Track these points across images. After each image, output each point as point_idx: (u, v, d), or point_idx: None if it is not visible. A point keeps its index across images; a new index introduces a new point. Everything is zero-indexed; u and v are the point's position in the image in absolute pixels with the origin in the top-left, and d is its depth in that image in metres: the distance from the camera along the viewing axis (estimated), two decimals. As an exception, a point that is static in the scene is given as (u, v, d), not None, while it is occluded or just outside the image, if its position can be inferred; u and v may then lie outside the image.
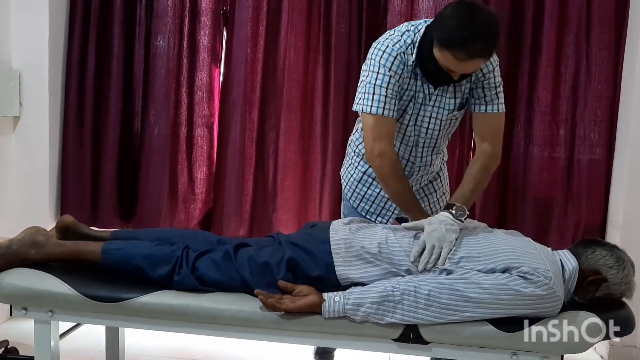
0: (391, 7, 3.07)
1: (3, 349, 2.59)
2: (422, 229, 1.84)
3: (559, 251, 1.85)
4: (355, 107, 1.98)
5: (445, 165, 2.33)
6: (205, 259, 1.84)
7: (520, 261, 1.69)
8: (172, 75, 3.24)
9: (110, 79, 3.24)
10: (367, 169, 2.17)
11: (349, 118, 3.01)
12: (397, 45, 1.93)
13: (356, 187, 2.20)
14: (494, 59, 1.97)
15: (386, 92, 1.90)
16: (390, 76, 1.90)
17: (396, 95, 1.92)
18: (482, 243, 1.80)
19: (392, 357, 2.72)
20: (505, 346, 1.69)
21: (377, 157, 1.95)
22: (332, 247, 1.82)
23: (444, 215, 1.85)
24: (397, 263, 1.79)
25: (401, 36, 1.95)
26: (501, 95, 2.00)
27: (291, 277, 1.80)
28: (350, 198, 2.24)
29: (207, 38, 3.24)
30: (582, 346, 1.68)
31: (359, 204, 2.21)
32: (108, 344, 2.27)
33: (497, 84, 1.98)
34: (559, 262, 1.78)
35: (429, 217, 1.87)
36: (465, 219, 1.87)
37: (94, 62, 3.22)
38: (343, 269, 1.79)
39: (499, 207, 3.09)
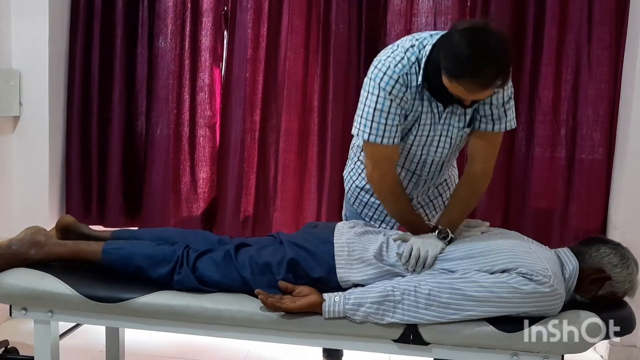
0: (391, 7, 3.07)
1: (3, 349, 2.59)
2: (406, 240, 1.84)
3: (559, 249, 1.85)
4: (353, 132, 1.90)
5: (455, 167, 2.25)
6: (206, 259, 1.84)
7: (520, 261, 1.69)
8: (174, 75, 3.25)
9: (113, 80, 3.25)
10: (364, 185, 2.12)
11: (348, 119, 3.01)
12: (400, 66, 1.79)
13: (359, 194, 2.15)
14: None
15: (386, 118, 1.80)
16: (391, 100, 1.79)
17: (398, 121, 1.81)
18: (482, 243, 1.80)
19: (392, 358, 2.73)
20: (505, 346, 1.69)
21: (377, 182, 1.92)
22: (335, 250, 1.82)
23: (429, 235, 1.84)
24: (398, 267, 1.79)
25: (404, 53, 1.80)
26: (510, 111, 1.86)
27: (292, 277, 1.80)
28: (353, 204, 2.18)
29: (208, 39, 3.25)
30: (582, 346, 1.68)
31: (362, 210, 2.16)
32: (108, 344, 2.27)
33: (506, 100, 1.84)
34: (559, 261, 1.78)
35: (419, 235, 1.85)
36: (448, 242, 1.83)
37: (97, 63, 3.23)
38: (344, 272, 1.79)
39: (500, 207, 3.09)
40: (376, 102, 1.80)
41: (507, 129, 1.89)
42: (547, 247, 1.85)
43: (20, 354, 2.56)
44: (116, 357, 2.28)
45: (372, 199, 2.11)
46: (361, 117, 1.84)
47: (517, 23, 3.00)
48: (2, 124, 3.08)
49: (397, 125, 1.81)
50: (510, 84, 1.83)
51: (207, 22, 3.24)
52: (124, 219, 3.34)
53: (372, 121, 1.81)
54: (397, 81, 1.78)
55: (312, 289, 1.75)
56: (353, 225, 1.94)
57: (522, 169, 3.07)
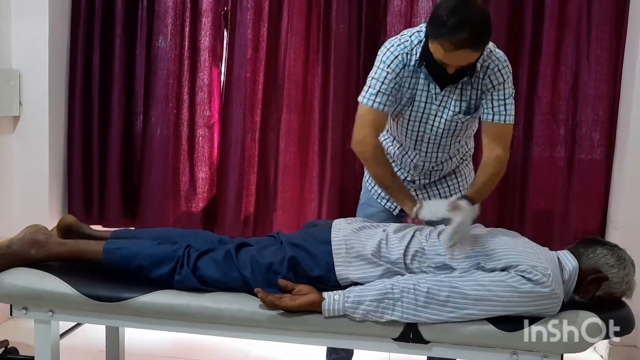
0: (391, 8, 3.08)
1: (3, 349, 2.59)
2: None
3: (559, 251, 1.85)
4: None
5: (468, 167, 2.31)
6: (207, 259, 1.84)
7: (519, 260, 1.69)
8: (174, 75, 3.26)
9: (113, 80, 3.26)
10: None
11: (348, 118, 3.02)
12: (402, 46, 1.99)
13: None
14: (507, 70, 1.99)
15: (380, 87, 1.98)
16: (388, 72, 1.98)
17: (391, 92, 1.99)
18: (481, 242, 1.80)
19: (392, 357, 2.73)
20: (505, 346, 1.69)
21: (359, 143, 2.04)
22: (333, 248, 1.82)
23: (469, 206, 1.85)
24: (397, 263, 1.79)
25: (410, 36, 2.00)
26: (510, 107, 2.00)
27: (292, 276, 1.80)
28: (367, 181, 2.33)
29: (208, 39, 3.25)
30: (582, 346, 1.68)
31: (372, 187, 2.30)
32: (108, 344, 2.27)
33: (507, 96, 1.99)
34: (558, 262, 1.78)
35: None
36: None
37: (97, 63, 3.24)
38: (343, 269, 1.80)
39: (500, 207, 3.09)
40: (375, 72, 2.01)
41: (506, 122, 2.01)
42: (547, 248, 1.85)
43: (20, 354, 2.56)
44: (116, 357, 2.28)
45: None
46: (366, 85, 2.04)
47: (516, 23, 3.01)
48: (2, 124, 3.08)
49: (387, 95, 1.99)
50: (511, 85, 2.00)
51: (206, 22, 3.24)
52: (123, 219, 3.34)
53: (369, 87, 2.01)
54: (396, 57, 1.98)
55: (312, 288, 1.75)
56: (350, 221, 1.94)
57: (521, 169, 3.07)
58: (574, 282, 1.78)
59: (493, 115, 2.00)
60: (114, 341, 2.26)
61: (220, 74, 3.30)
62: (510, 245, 1.77)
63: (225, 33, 3.27)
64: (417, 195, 2.22)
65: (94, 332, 2.41)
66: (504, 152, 2.03)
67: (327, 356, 2.42)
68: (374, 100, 1.99)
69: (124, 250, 1.87)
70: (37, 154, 3.15)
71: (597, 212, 3.03)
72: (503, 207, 3.10)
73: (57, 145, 3.24)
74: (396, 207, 2.23)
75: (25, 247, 1.88)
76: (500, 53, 2.01)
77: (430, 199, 2.22)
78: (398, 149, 2.21)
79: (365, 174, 2.35)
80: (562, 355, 1.71)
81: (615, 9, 2.92)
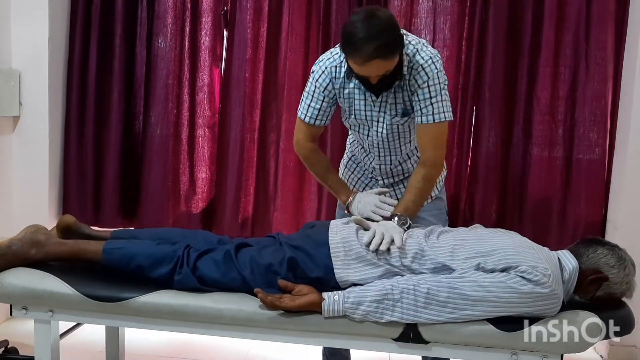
0: (391, 8, 3.08)
1: (3, 349, 2.59)
2: (367, 228, 1.89)
3: (559, 251, 1.85)
4: None
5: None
6: (206, 259, 1.84)
7: (519, 260, 1.69)
8: (174, 75, 3.26)
9: (112, 80, 3.26)
10: (352, 155, 2.37)
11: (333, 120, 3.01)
12: (331, 59, 2.10)
13: (344, 170, 2.41)
14: (431, 69, 1.99)
15: (310, 101, 2.13)
16: (316, 87, 2.11)
17: (321, 105, 2.12)
18: (481, 242, 1.80)
19: (392, 357, 2.73)
20: (505, 346, 1.69)
21: (296, 145, 2.25)
22: (331, 250, 1.82)
23: (387, 222, 1.92)
24: (396, 264, 1.79)
25: (340, 50, 2.05)
26: (437, 105, 2.01)
27: (292, 276, 1.80)
28: (345, 170, 2.42)
29: (207, 39, 3.25)
30: (582, 346, 1.68)
31: (350, 175, 2.38)
32: (108, 344, 2.27)
33: (433, 95, 2.00)
34: (558, 262, 1.78)
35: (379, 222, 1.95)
36: (407, 227, 1.93)
37: (96, 62, 3.24)
38: (342, 272, 1.79)
39: (499, 207, 3.09)
40: (307, 86, 2.15)
41: (437, 120, 2.02)
42: (547, 248, 1.85)
43: (20, 354, 2.56)
44: (116, 357, 2.28)
45: (352, 175, 2.37)
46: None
47: (516, 23, 3.00)
48: (2, 124, 3.08)
49: (317, 109, 2.13)
50: (443, 79, 2.02)
51: (206, 22, 3.24)
52: (121, 219, 3.34)
53: (302, 100, 2.16)
54: (323, 72, 2.09)
55: (312, 288, 1.75)
56: (347, 221, 1.94)
57: (520, 169, 3.08)
58: (574, 282, 1.78)
59: (421, 116, 2.03)
60: (113, 341, 2.26)
61: (220, 74, 3.30)
62: (510, 246, 1.77)
63: (225, 33, 3.27)
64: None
65: (94, 333, 2.41)
66: (433, 153, 2.06)
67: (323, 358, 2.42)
68: (305, 114, 2.15)
69: (124, 251, 1.87)
70: (37, 154, 3.15)
71: (597, 212, 3.03)
72: (502, 207, 3.10)
73: (57, 145, 3.24)
74: None
75: (25, 247, 1.88)
76: (426, 52, 2.01)
77: (397, 197, 2.24)
78: (360, 151, 2.29)
79: (341, 163, 2.44)
80: (562, 355, 1.71)
81: (615, 9, 2.92)
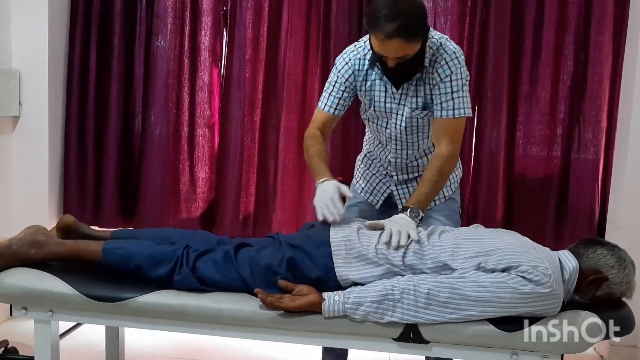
0: (391, 8, 3.07)
1: (3, 349, 2.59)
2: (383, 228, 1.88)
3: (559, 251, 1.85)
4: None
5: (457, 166, 2.32)
6: (206, 259, 1.84)
7: (520, 260, 1.69)
8: (173, 75, 3.26)
9: (112, 80, 3.26)
10: (367, 152, 2.36)
11: (348, 119, 3.01)
12: (355, 52, 2.11)
13: (359, 165, 2.41)
14: (455, 63, 2.00)
15: (331, 90, 2.15)
16: (338, 77, 2.13)
17: (339, 94, 2.13)
18: (482, 242, 1.80)
19: (392, 357, 2.73)
20: (505, 346, 1.69)
21: (305, 140, 2.23)
22: (332, 249, 1.81)
23: (400, 215, 1.92)
24: (397, 263, 1.79)
25: (365, 42, 2.09)
26: (458, 100, 2.01)
27: (292, 276, 1.80)
28: (355, 176, 2.42)
29: (207, 38, 3.25)
30: (582, 346, 1.68)
31: (357, 181, 2.39)
32: (108, 344, 2.27)
33: (455, 90, 2.00)
34: (558, 262, 1.78)
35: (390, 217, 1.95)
36: (420, 220, 1.93)
37: (95, 62, 3.24)
38: (343, 270, 1.79)
39: (499, 207, 3.09)
40: (330, 77, 2.16)
41: (456, 116, 2.03)
42: (548, 248, 1.85)
43: (20, 354, 2.56)
44: (116, 357, 2.28)
45: (367, 171, 2.36)
46: None
47: (517, 23, 3.00)
48: (2, 124, 3.08)
49: (338, 98, 2.14)
50: (465, 74, 2.03)
51: (206, 21, 3.24)
52: (121, 219, 3.34)
53: (324, 90, 2.18)
54: (347, 63, 2.11)
55: (312, 288, 1.75)
56: (349, 222, 1.95)
57: (520, 169, 3.08)
58: (574, 282, 1.78)
59: (440, 110, 2.03)
60: (113, 341, 2.27)
61: (220, 73, 3.30)
62: (511, 245, 1.76)
63: (225, 33, 3.27)
64: (397, 189, 2.28)
65: (94, 333, 2.41)
66: (449, 147, 2.05)
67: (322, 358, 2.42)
68: (325, 103, 2.16)
69: (123, 251, 1.87)
70: (37, 154, 3.15)
71: (595, 212, 3.03)
72: (502, 206, 3.10)
73: (57, 145, 3.24)
74: (378, 201, 2.31)
75: (25, 247, 1.88)
76: (450, 47, 2.02)
77: (410, 195, 2.23)
78: (377, 146, 2.28)
79: (355, 172, 2.43)
80: (562, 355, 1.71)
81: (615, 9, 2.92)
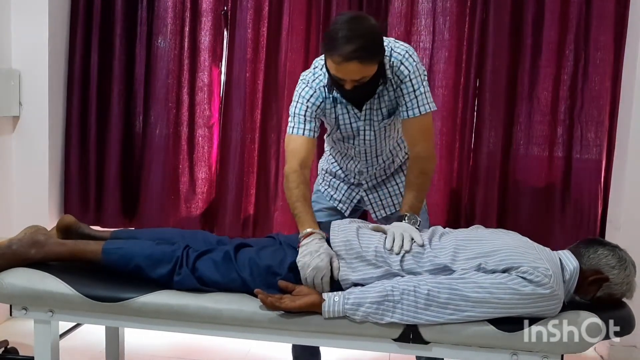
0: (391, 9, 3.08)
1: (3, 349, 2.59)
2: (384, 231, 1.89)
3: (560, 251, 1.85)
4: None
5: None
6: (206, 259, 1.84)
7: (520, 261, 1.69)
8: (174, 75, 3.26)
9: (112, 80, 3.26)
10: (331, 163, 2.33)
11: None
12: (317, 81, 2.06)
13: (324, 175, 2.37)
14: (410, 62, 2.00)
15: (304, 114, 2.05)
16: (308, 106, 2.05)
17: (315, 120, 2.05)
18: (482, 243, 1.79)
19: (392, 357, 2.73)
20: (505, 346, 1.69)
21: (286, 183, 2.03)
22: (333, 249, 1.81)
23: (400, 223, 1.93)
24: (396, 264, 1.79)
25: (321, 69, 2.05)
26: (422, 97, 2.01)
27: (292, 277, 1.80)
28: (321, 183, 2.39)
29: (208, 39, 3.25)
30: (582, 346, 1.68)
31: (325, 188, 2.36)
32: (108, 344, 2.27)
33: (416, 87, 2.01)
34: (559, 263, 1.78)
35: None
36: (418, 226, 1.94)
37: (96, 62, 3.24)
38: (343, 271, 1.79)
39: (499, 207, 3.09)
40: (297, 107, 2.07)
41: (423, 112, 2.02)
42: (548, 248, 1.85)
43: (20, 354, 2.56)
44: (116, 357, 2.28)
45: (334, 180, 2.34)
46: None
47: (516, 24, 3.00)
48: (2, 124, 3.08)
49: (314, 119, 2.05)
50: (422, 70, 2.02)
51: (206, 22, 3.24)
52: (122, 219, 3.34)
53: (294, 117, 2.07)
54: (315, 91, 2.05)
55: (312, 289, 1.75)
56: (349, 222, 1.95)
57: (520, 169, 3.08)
58: (574, 282, 1.78)
59: (407, 110, 2.02)
60: (113, 341, 2.27)
61: (220, 74, 3.30)
62: (512, 246, 1.76)
63: (225, 33, 3.27)
64: (366, 195, 2.27)
65: (94, 333, 2.40)
66: (424, 146, 2.06)
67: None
68: (303, 128, 2.04)
69: (123, 251, 1.87)
70: (37, 154, 3.15)
71: (595, 212, 3.03)
72: (502, 207, 3.10)
73: (57, 145, 3.24)
74: (347, 208, 2.30)
75: (25, 247, 1.88)
76: (400, 47, 2.02)
77: (381, 201, 2.27)
78: (343, 159, 2.26)
79: (318, 175, 2.41)
80: (562, 356, 1.71)
81: (615, 9, 2.92)
